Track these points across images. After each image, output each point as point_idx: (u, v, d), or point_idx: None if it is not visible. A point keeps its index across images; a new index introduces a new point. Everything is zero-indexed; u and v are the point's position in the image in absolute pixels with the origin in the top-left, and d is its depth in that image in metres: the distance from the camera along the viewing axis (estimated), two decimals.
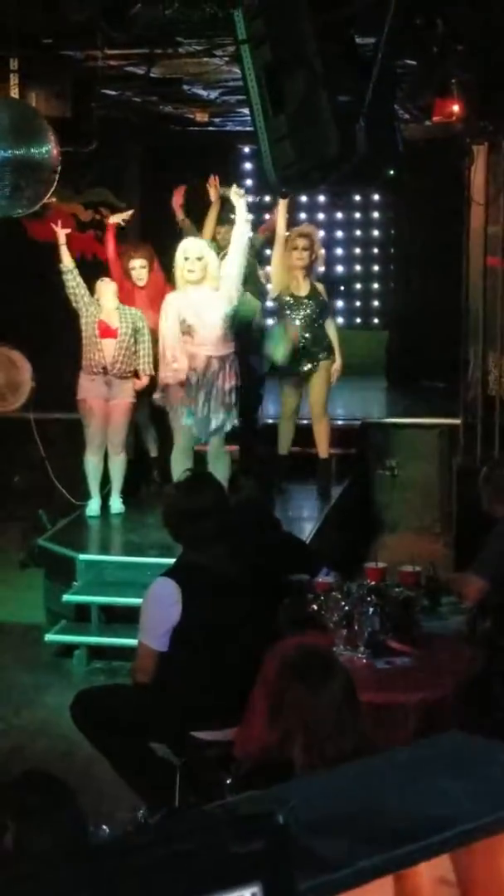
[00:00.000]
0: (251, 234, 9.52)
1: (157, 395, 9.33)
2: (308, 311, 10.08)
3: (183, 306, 8.93)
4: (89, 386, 9.81)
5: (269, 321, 11.49)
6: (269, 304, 11.06)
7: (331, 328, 10.28)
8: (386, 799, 1.52)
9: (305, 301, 10.10)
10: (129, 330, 9.70)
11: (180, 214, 10.99)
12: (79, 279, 9.66)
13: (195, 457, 9.23)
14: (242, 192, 9.27)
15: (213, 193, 10.77)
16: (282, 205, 10.20)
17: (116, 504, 9.90)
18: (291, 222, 10.62)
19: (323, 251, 10.94)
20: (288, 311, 10.13)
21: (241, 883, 1.07)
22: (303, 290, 10.12)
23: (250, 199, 10.14)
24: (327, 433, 10.34)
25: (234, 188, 9.30)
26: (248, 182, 14.08)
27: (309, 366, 10.10)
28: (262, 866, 1.08)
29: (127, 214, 10.77)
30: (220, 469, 8.88)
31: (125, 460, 9.96)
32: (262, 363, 10.43)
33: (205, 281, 8.91)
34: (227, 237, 10.24)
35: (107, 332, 9.69)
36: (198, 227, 10.88)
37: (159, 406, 9.46)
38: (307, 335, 10.08)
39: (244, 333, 9.77)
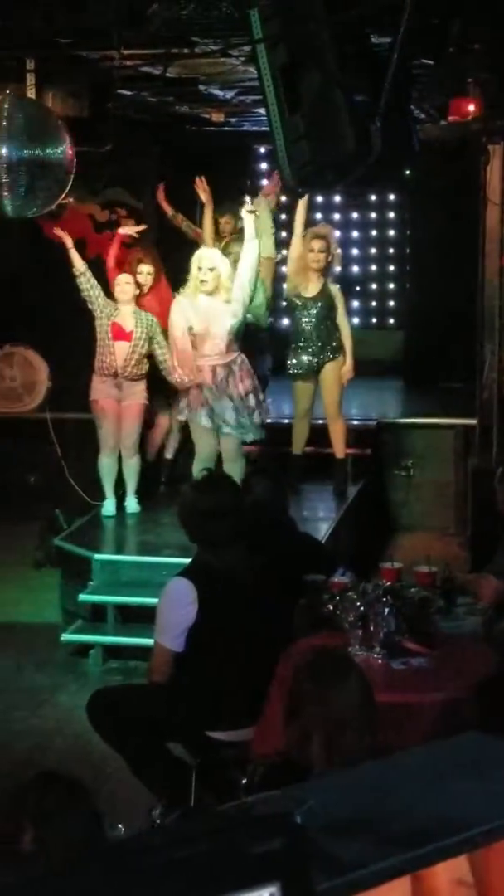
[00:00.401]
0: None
1: (180, 417, 9.30)
2: (316, 311, 10.07)
3: (191, 313, 8.93)
4: (101, 387, 9.81)
5: (285, 321, 11.49)
6: (283, 302, 11.06)
7: (344, 328, 10.23)
8: (403, 799, 1.51)
9: (313, 302, 10.09)
10: (144, 335, 9.66)
11: (169, 210, 10.96)
12: (92, 281, 9.65)
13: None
14: (251, 207, 9.23)
15: (203, 196, 10.65)
16: (301, 203, 10.20)
17: (132, 504, 9.89)
18: (307, 222, 10.59)
19: (339, 251, 10.91)
20: (296, 312, 10.15)
21: (260, 883, 1.06)
22: (311, 290, 10.11)
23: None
24: (343, 434, 10.33)
25: (246, 205, 9.26)
26: (264, 182, 14.10)
27: (317, 365, 10.09)
28: (280, 866, 1.08)
29: (139, 228, 10.72)
30: (235, 471, 8.89)
31: (139, 462, 9.94)
32: (265, 363, 10.39)
33: (216, 292, 8.90)
34: (227, 228, 10.25)
35: (120, 334, 9.67)
36: (194, 222, 10.90)
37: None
38: (315, 335, 10.07)
39: (249, 334, 9.78)
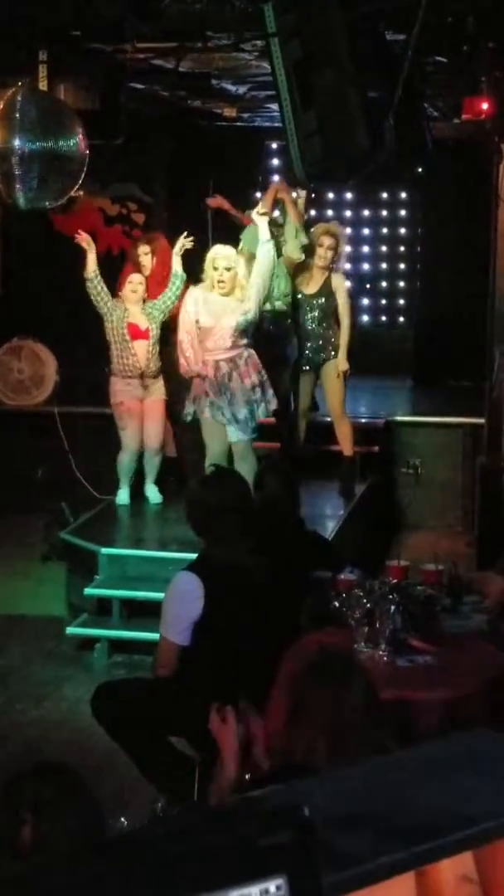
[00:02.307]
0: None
1: (187, 415, 9.22)
2: (316, 308, 10.05)
3: (202, 305, 8.87)
4: (126, 389, 9.75)
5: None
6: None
7: (343, 319, 10.13)
8: (409, 795, 1.51)
9: (313, 299, 10.06)
10: (156, 326, 9.67)
11: (235, 210, 10.71)
12: (100, 286, 9.58)
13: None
14: (263, 209, 9.19)
15: (219, 203, 10.63)
16: (300, 200, 10.17)
17: (153, 494, 9.88)
18: (317, 219, 10.57)
19: (347, 248, 10.87)
20: (297, 310, 10.13)
21: (266, 875, 1.06)
22: (311, 287, 10.08)
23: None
24: (349, 433, 10.31)
25: (257, 208, 9.22)
26: (275, 178, 14.10)
27: (316, 363, 10.08)
28: (287, 859, 1.07)
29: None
30: (245, 470, 8.87)
31: (162, 459, 9.93)
32: (291, 347, 10.23)
33: (232, 292, 8.84)
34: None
35: (137, 333, 9.63)
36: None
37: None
38: (315, 334, 10.06)
39: (275, 324, 9.73)
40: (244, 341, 8.93)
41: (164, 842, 1.05)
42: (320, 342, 10.10)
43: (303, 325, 10.10)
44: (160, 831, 1.09)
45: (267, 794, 1.55)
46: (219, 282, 8.74)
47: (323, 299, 10.09)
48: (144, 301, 9.76)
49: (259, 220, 8.96)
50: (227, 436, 8.96)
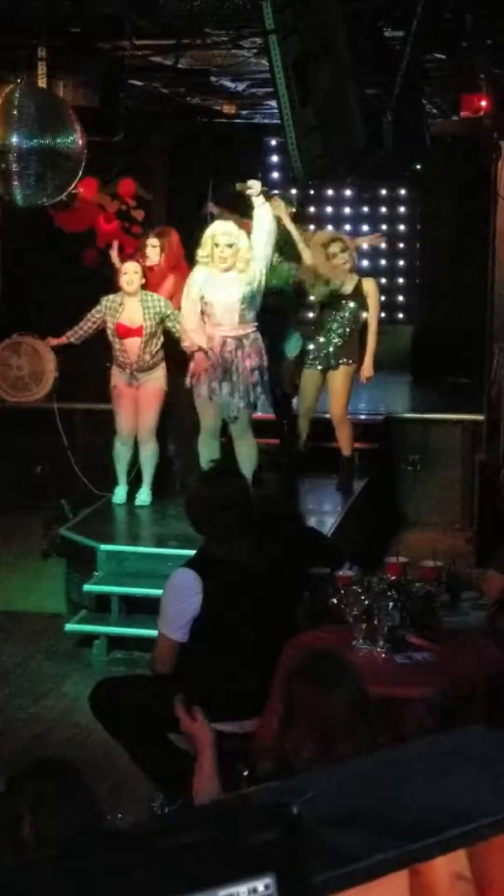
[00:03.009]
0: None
1: (188, 380, 9.14)
2: (346, 312, 9.98)
3: (205, 283, 8.84)
4: (120, 375, 9.79)
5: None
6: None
7: (371, 327, 10.09)
8: (403, 792, 1.50)
9: (346, 301, 9.97)
10: (155, 321, 9.55)
11: (234, 216, 10.51)
12: (95, 318, 9.70)
13: (223, 447, 9.22)
14: (258, 191, 9.09)
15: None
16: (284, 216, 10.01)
17: (144, 495, 9.79)
18: (316, 216, 10.52)
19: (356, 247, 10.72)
20: (325, 304, 10.06)
21: (255, 874, 1.06)
22: (348, 286, 9.97)
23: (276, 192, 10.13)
24: (348, 435, 10.25)
25: (251, 190, 9.12)
26: (275, 175, 14.09)
27: (327, 364, 10.04)
28: (275, 857, 1.07)
29: None
30: (244, 451, 8.86)
31: (155, 449, 9.86)
32: (291, 345, 10.24)
33: (234, 267, 8.81)
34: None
35: (127, 332, 9.58)
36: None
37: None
38: (338, 334, 9.99)
39: (277, 308, 9.70)
40: (251, 316, 8.88)
41: (152, 840, 1.04)
42: (341, 345, 9.99)
43: (327, 321, 10.03)
44: (148, 829, 1.09)
45: (257, 792, 1.54)
46: (220, 258, 8.73)
47: (353, 303, 10.00)
48: (143, 289, 9.67)
49: (256, 201, 8.89)
50: (222, 412, 8.98)
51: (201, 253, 8.84)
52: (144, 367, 9.67)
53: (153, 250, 10.06)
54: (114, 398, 9.86)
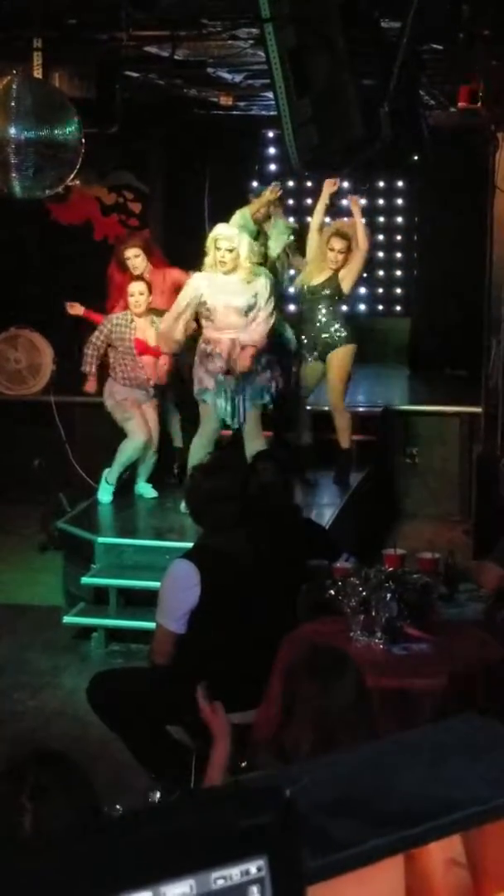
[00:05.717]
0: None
1: (196, 388, 9.12)
2: (322, 302, 9.98)
3: (207, 289, 8.83)
4: (130, 391, 9.61)
5: (291, 307, 11.42)
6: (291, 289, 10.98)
7: (362, 247, 10.03)
8: (398, 779, 1.51)
9: (320, 291, 9.99)
10: None
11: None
12: (98, 342, 9.57)
13: (219, 442, 9.22)
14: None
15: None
16: (326, 191, 10.11)
17: (148, 490, 9.77)
18: (314, 208, 10.50)
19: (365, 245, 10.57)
20: (304, 304, 10.09)
21: (247, 856, 1.06)
22: (318, 278, 10.01)
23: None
24: (346, 425, 10.25)
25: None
26: (272, 167, 14.07)
27: (324, 353, 10.03)
28: (268, 840, 1.07)
29: None
30: (258, 448, 8.86)
31: (155, 457, 9.83)
32: (286, 338, 10.17)
33: (234, 270, 8.79)
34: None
35: (146, 349, 9.47)
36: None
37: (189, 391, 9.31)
38: (323, 324, 10.00)
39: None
40: (258, 316, 8.87)
41: (146, 824, 1.04)
42: (331, 329, 10.00)
43: (311, 320, 10.03)
44: (141, 815, 1.09)
45: (252, 778, 1.55)
46: (220, 261, 8.72)
47: (328, 290, 10.01)
48: (150, 311, 9.54)
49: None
50: (226, 421, 9.00)
51: (208, 261, 8.83)
52: (159, 383, 9.63)
53: (137, 259, 9.81)
54: (124, 409, 9.63)
